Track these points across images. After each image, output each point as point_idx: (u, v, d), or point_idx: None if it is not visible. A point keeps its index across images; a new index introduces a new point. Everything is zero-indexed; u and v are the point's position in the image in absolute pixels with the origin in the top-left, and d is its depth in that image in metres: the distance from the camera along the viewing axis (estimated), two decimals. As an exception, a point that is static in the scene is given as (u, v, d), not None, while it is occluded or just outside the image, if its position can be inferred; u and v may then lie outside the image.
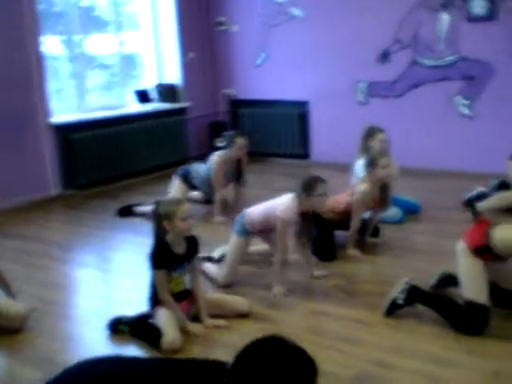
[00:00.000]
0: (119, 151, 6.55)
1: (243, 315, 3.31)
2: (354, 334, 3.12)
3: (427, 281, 3.57)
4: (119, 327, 3.20)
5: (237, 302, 3.37)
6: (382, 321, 3.24)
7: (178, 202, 3.26)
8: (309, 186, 3.58)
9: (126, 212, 5.41)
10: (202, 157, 6.05)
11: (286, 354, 1.68)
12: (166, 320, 3.07)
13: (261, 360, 1.64)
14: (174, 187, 5.31)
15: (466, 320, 3.00)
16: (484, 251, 2.97)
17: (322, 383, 2.66)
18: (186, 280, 3.27)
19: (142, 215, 5.21)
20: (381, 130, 4.87)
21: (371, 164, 4.19)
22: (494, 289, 3.10)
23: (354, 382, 2.70)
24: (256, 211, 3.82)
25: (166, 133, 7.06)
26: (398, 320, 3.22)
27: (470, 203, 5.09)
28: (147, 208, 5.21)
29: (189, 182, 5.32)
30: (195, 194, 5.47)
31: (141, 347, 3.06)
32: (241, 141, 5.17)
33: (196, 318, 3.25)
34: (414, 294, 3.22)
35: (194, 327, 3.15)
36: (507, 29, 5.76)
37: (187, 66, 7.37)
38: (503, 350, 2.89)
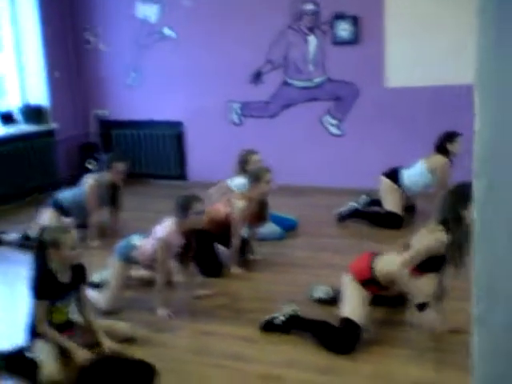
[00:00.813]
0: (-19, 176, 6.10)
1: (128, 340, 3.18)
2: (240, 351, 3.13)
3: (307, 293, 3.69)
4: (-6, 363, 2.96)
5: (120, 327, 3.25)
6: (267, 336, 3.27)
7: (64, 229, 3.12)
8: (185, 206, 3.59)
9: (-9, 241, 5.03)
10: (73, 179, 5.80)
11: (120, 364, 1.69)
12: (44, 352, 2.88)
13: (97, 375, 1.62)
14: (45, 215, 5.03)
15: (337, 338, 3.07)
16: (370, 283, 3.14)
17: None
18: (70, 310, 3.10)
19: (9, 244, 4.92)
20: (255, 152, 4.96)
21: (256, 178, 4.25)
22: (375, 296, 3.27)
23: (245, 399, 2.69)
24: (148, 245, 3.69)
25: (34, 156, 6.70)
26: (282, 335, 3.26)
27: (342, 218, 5.31)
28: (13, 236, 4.94)
29: (60, 209, 5.06)
30: (67, 220, 5.21)
31: (18, 383, 2.86)
32: (120, 165, 5.03)
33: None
34: (293, 321, 3.28)
35: (82, 353, 2.95)
36: (369, 52, 6.13)
37: (54, 86, 7.06)
38: (380, 354, 3.04)
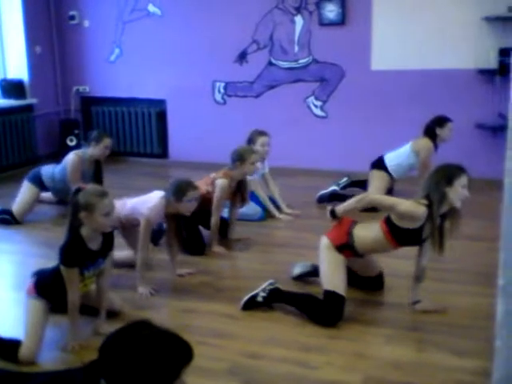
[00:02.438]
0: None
1: (113, 314, 3.15)
2: (223, 329, 3.12)
3: (289, 272, 3.70)
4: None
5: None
6: (250, 314, 3.27)
7: (101, 193, 2.85)
8: (179, 191, 3.54)
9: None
10: (53, 156, 5.72)
11: (157, 334, 1.65)
12: (30, 326, 2.80)
13: (129, 342, 1.60)
14: (24, 189, 4.97)
15: (323, 310, 3.10)
16: (346, 248, 3.14)
17: (195, 378, 2.63)
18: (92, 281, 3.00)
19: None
20: (264, 134, 4.93)
21: (240, 159, 4.22)
22: (353, 276, 3.32)
23: (228, 374, 2.70)
24: (123, 203, 3.70)
25: (12, 131, 6.62)
26: (265, 312, 3.27)
27: (322, 200, 5.31)
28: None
29: (40, 184, 4.99)
30: (47, 194, 5.16)
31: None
32: (108, 140, 4.96)
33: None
34: (274, 295, 3.29)
35: (74, 345, 2.88)
36: (356, 34, 6.11)
37: (35, 62, 6.94)
38: (362, 333, 3.07)
